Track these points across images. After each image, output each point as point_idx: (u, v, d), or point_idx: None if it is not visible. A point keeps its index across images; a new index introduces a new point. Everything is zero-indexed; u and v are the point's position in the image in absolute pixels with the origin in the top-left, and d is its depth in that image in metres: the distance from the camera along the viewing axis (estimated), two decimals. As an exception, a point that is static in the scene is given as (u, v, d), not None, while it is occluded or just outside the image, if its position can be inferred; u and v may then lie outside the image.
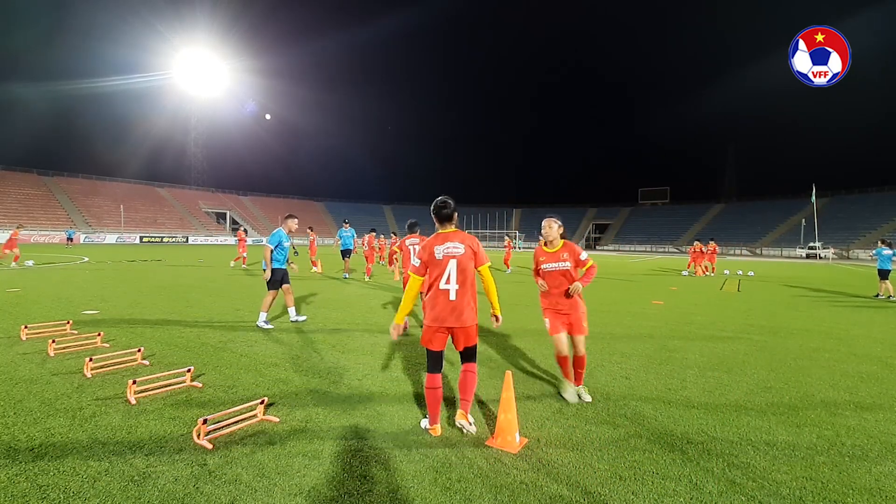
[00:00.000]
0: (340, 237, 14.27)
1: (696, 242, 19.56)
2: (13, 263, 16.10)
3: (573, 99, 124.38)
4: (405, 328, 6.36)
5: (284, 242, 6.62)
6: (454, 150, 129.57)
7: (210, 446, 2.78)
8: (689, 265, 19.43)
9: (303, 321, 6.86)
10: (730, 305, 9.87)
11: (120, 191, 62.02)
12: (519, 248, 63.68)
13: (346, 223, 14.57)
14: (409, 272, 3.00)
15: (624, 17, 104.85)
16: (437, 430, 3.10)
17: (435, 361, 3.17)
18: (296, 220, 6.87)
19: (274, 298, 6.49)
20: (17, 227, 17.88)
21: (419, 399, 3.72)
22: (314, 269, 16.16)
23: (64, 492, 2.31)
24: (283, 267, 6.63)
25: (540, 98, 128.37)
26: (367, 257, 15.26)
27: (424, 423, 3.23)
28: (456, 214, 3.31)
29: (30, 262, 16.99)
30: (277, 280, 6.51)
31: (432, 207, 3.28)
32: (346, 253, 14.17)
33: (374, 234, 16.63)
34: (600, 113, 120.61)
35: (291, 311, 6.83)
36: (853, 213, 57.16)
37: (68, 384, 3.87)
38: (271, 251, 6.46)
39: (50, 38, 75.22)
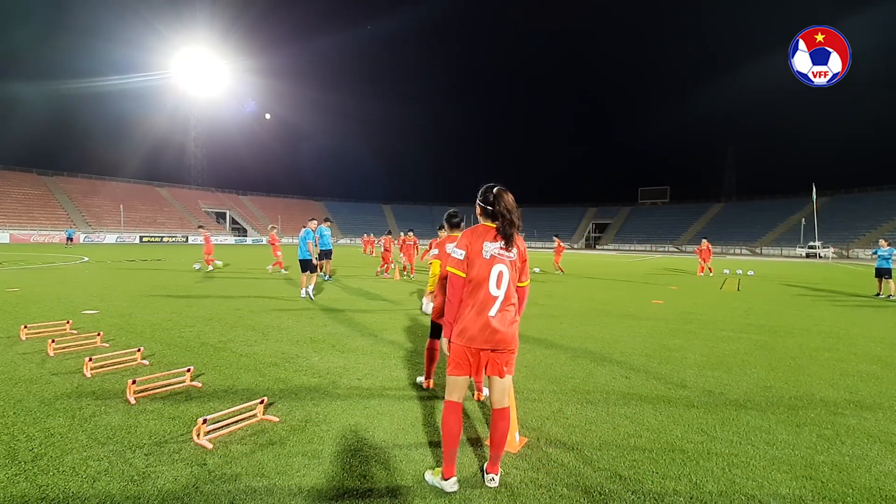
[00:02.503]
0: (321, 235, 12.78)
1: (703, 241, 19.82)
2: (282, 270, 14.85)
3: (574, 98, 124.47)
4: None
5: (308, 239, 9.42)
6: (454, 149, 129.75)
7: (210, 446, 2.78)
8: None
9: (312, 299, 9.05)
10: (729, 305, 9.87)
11: (120, 190, 61.90)
12: (519, 247, 63.51)
13: (328, 221, 13.37)
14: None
15: (624, 15, 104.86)
16: (431, 383, 3.98)
17: (437, 331, 3.74)
18: (315, 221, 10.20)
19: (307, 279, 9.29)
20: (273, 228, 15.57)
21: (419, 398, 3.72)
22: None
23: (64, 492, 2.31)
24: (306, 257, 9.28)
25: (541, 97, 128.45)
26: (407, 255, 14.70)
27: (420, 379, 4.08)
28: (462, 223, 3.90)
29: (218, 262, 15.05)
30: (307, 266, 9.31)
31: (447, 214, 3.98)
32: (326, 254, 13.09)
33: (411, 233, 15.58)
34: (601, 112, 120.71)
35: (310, 287, 9.31)
36: (853, 213, 57.17)
37: (68, 384, 3.86)
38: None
39: (49, 37, 75.19)
